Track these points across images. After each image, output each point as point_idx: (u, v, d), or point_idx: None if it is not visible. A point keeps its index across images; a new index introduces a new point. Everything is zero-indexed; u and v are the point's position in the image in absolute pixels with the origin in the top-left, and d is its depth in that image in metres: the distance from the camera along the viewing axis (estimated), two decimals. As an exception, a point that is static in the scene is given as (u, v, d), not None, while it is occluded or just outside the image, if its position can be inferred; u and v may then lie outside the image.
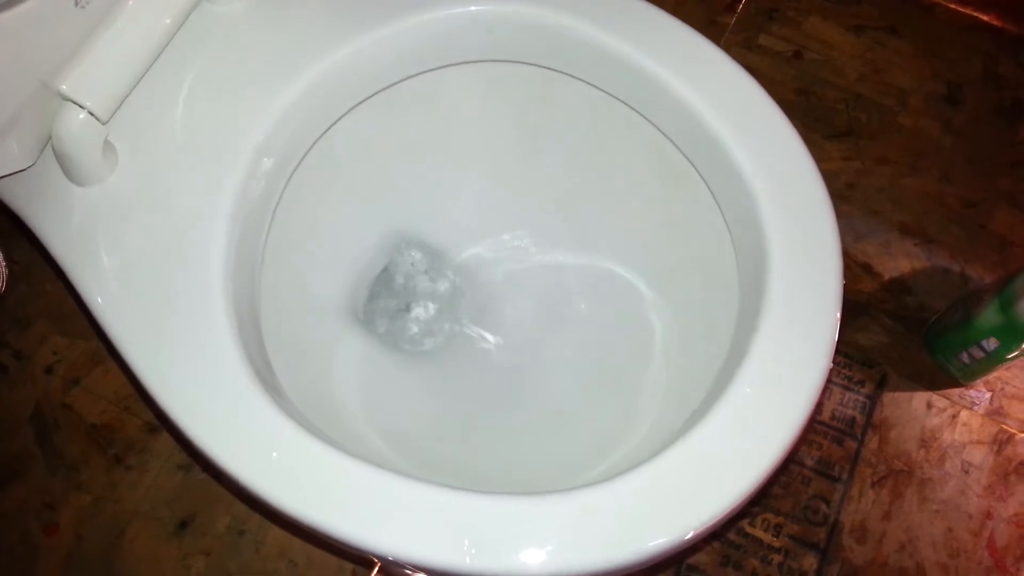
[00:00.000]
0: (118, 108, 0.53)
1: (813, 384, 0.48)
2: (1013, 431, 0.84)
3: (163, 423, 0.84)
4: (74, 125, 0.51)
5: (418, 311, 0.74)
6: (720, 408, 0.47)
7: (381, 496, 0.45)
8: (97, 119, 0.51)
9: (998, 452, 0.83)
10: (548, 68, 0.63)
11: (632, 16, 0.59)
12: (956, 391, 0.86)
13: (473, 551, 0.44)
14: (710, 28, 1.03)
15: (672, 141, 0.60)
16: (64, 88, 0.50)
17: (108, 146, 0.53)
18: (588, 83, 0.62)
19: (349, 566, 0.78)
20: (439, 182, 0.75)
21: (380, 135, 0.68)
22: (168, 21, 0.54)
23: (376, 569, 0.78)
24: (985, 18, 1.05)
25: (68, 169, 0.53)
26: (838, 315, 0.50)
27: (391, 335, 0.73)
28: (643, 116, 0.61)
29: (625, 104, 0.61)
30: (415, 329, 0.75)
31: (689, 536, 0.45)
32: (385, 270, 0.75)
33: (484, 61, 0.64)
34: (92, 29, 0.51)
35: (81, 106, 0.51)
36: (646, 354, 0.69)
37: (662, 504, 0.45)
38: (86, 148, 0.52)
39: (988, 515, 0.81)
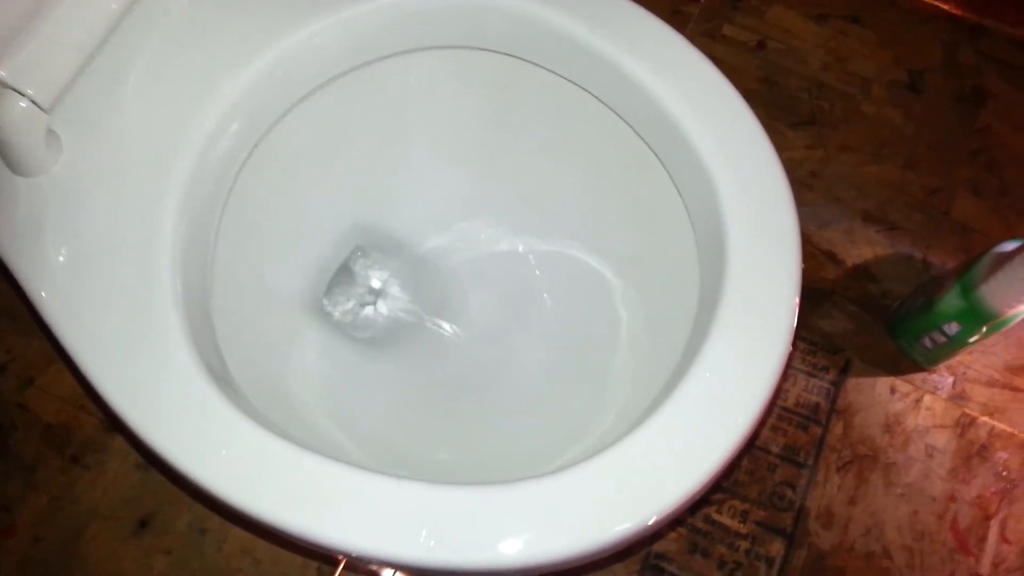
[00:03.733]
0: (61, 96, 0.51)
1: (773, 366, 0.47)
2: (975, 415, 0.85)
3: (112, 422, 0.82)
4: (15, 113, 0.49)
5: (380, 302, 0.73)
6: (679, 393, 0.46)
7: (336, 489, 0.44)
8: (39, 107, 0.49)
9: (961, 435, 0.84)
10: (510, 55, 0.62)
11: (595, 3, 0.58)
12: (919, 376, 0.86)
13: (432, 543, 0.43)
14: (674, 17, 1.03)
15: (633, 128, 0.60)
16: (3, 74, 0.48)
17: (52, 135, 0.52)
18: (550, 70, 0.61)
19: (314, 563, 0.77)
20: (400, 171, 0.74)
21: (338, 123, 0.67)
22: (115, 6, 0.52)
23: (341, 566, 0.77)
24: (945, 7, 1.06)
25: (9, 159, 0.51)
26: (797, 298, 0.49)
27: (352, 327, 0.72)
28: (605, 104, 0.60)
29: (587, 91, 0.61)
30: (377, 320, 0.74)
31: (652, 521, 0.44)
32: (345, 261, 0.74)
33: (444, 47, 0.63)
34: (34, 12, 0.49)
35: (22, 93, 0.49)
36: (612, 340, 0.69)
37: (624, 490, 0.45)
38: (28, 137, 0.50)
39: (952, 498, 0.81)
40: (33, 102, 0.49)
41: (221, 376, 0.49)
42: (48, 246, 0.50)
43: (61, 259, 0.50)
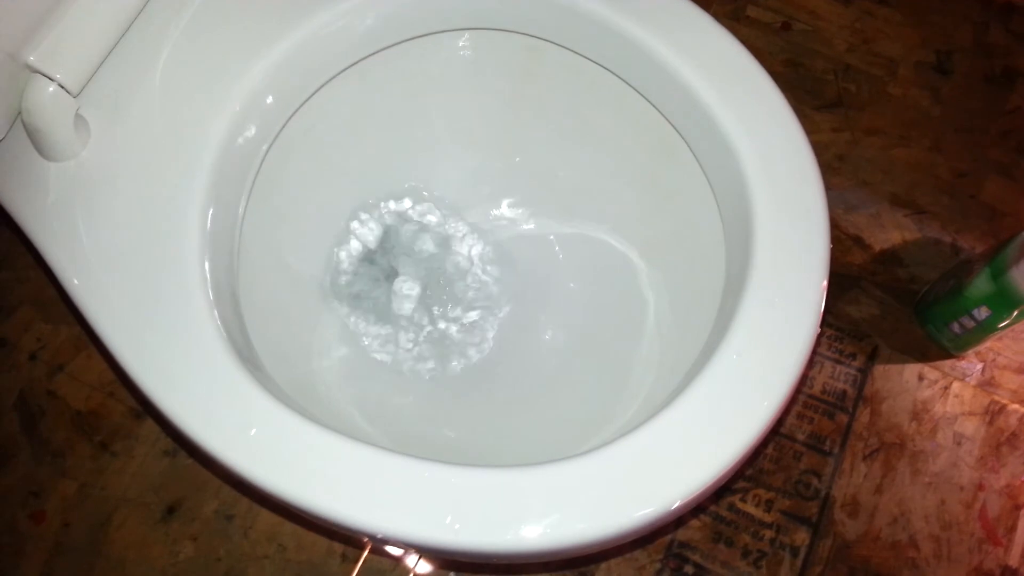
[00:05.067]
0: (89, 80, 0.51)
1: (800, 351, 0.47)
2: (1005, 402, 0.84)
3: (144, 406, 0.83)
4: (44, 98, 0.49)
5: (402, 286, 0.73)
6: (705, 377, 0.46)
7: (361, 471, 0.44)
8: (68, 91, 0.50)
9: (990, 423, 0.83)
10: (533, 36, 0.62)
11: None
12: (948, 362, 0.85)
13: (457, 526, 0.43)
14: None
15: (658, 109, 0.59)
16: (32, 60, 0.49)
17: (80, 119, 0.52)
18: (574, 51, 0.61)
19: (339, 547, 0.78)
20: (421, 153, 0.74)
21: (360, 107, 0.67)
22: (140, -9, 0.53)
23: (366, 551, 0.78)
24: (974, -13, 1.04)
25: (39, 144, 0.51)
26: (825, 281, 0.49)
27: (374, 311, 0.72)
28: (629, 84, 0.60)
29: (610, 72, 0.60)
30: (399, 304, 0.74)
31: (676, 506, 0.44)
32: (366, 244, 0.74)
33: (468, 29, 0.63)
34: (60, -1, 0.50)
35: (51, 78, 0.49)
36: (638, 324, 0.68)
37: (648, 475, 0.44)
38: (57, 122, 0.50)
39: (980, 487, 0.80)
40: (61, 87, 0.49)
41: (249, 358, 0.49)
42: (80, 231, 0.51)
43: (92, 245, 0.50)
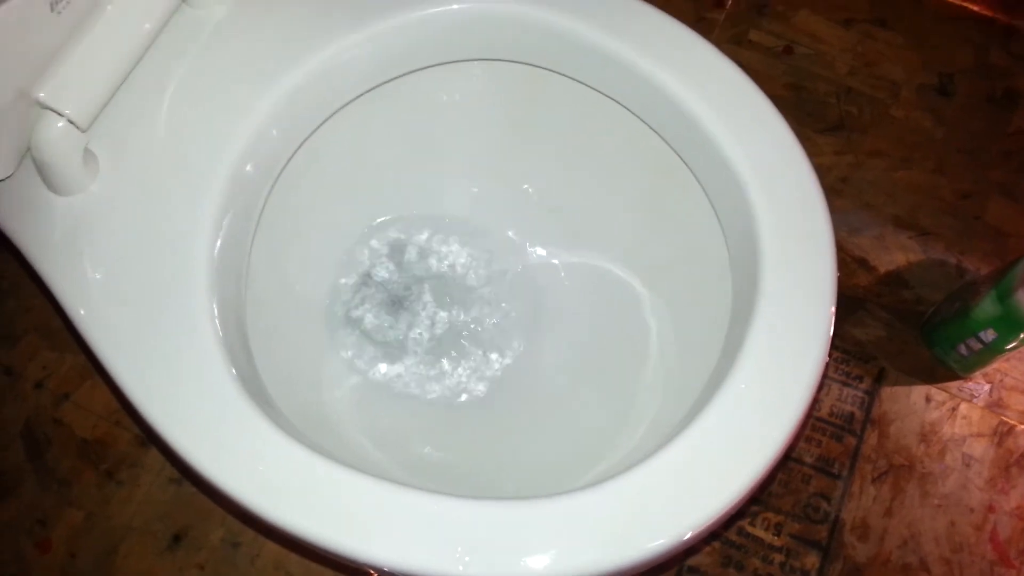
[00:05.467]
0: (98, 115, 0.52)
1: (810, 377, 0.47)
2: (1013, 423, 0.83)
3: (149, 437, 0.83)
4: (53, 133, 0.50)
5: (407, 312, 0.73)
6: (715, 405, 0.46)
7: (370, 504, 0.44)
8: (77, 127, 0.50)
9: (999, 444, 0.82)
10: (535, 66, 0.62)
11: (618, 11, 0.58)
12: (955, 384, 0.85)
13: (467, 559, 0.43)
14: (699, 24, 1.03)
15: (662, 136, 0.60)
16: (42, 96, 0.49)
17: (89, 154, 0.52)
18: (577, 80, 0.61)
19: (346, 577, 0.77)
20: (428, 181, 0.74)
21: (367, 136, 0.68)
22: (148, 26, 0.53)
23: (373, 579, 0.77)
24: (975, 8, 1.04)
25: (48, 179, 0.52)
26: (833, 307, 0.49)
27: (382, 339, 0.73)
28: (632, 112, 0.60)
29: (614, 101, 0.61)
30: (406, 331, 0.74)
31: (688, 536, 0.44)
32: (373, 271, 0.74)
33: (469, 60, 0.63)
34: (70, 35, 0.50)
35: (60, 114, 0.50)
36: (642, 351, 0.68)
37: (659, 505, 0.44)
38: (66, 157, 0.51)
39: (990, 508, 0.80)
40: (71, 122, 0.50)
41: (255, 389, 0.49)
42: (86, 264, 0.51)
43: (99, 277, 0.51)
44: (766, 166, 0.53)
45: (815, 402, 0.84)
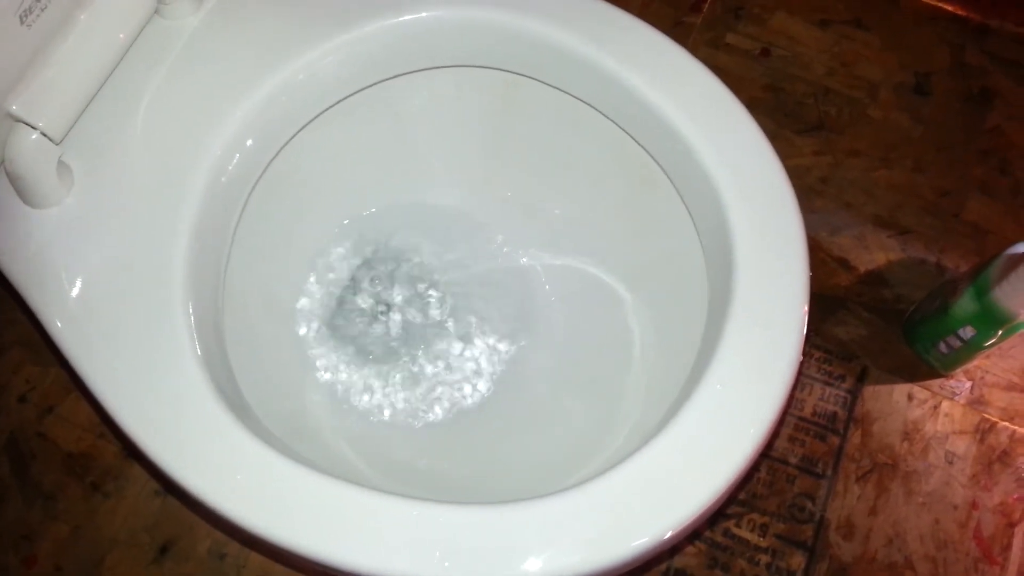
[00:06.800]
0: (71, 127, 0.52)
1: (784, 376, 0.47)
2: (995, 419, 0.84)
3: (128, 450, 0.82)
4: (26, 146, 0.50)
5: (387, 319, 0.73)
6: (691, 406, 0.46)
7: (349, 511, 0.44)
8: (50, 139, 0.50)
9: (981, 441, 0.83)
10: (512, 72, 0.63)
11: (593, 17, 0.58)
12: (937, 382, 0.85)
13: (446, 563, 0.43)
14: (677, 29, 1.03)
15: (637, 141, 0.60)
16: (14, 108, 0.49)
17: (63, 166, 0.52)
18: (551, 86, 0.62)
19: (332, 585, 0.77)
20: (406, 188, 0.74)
21: (343, 144, 0.68)
22: (121, 36, 0.53)
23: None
24: (950, 8, 1.05)
25: (22, 192, 0.52)
26: (805, 307, 0.49)
27: (361, 345, 0.73)
28: (607, 117, 0.61)
29: (589, 105, 0.61)
30: (386, 338, 0.74)
31: (669, 535, 0.44)
32: (354, 278, 0.74)
33: (446, 67, 0.64)
34: (41, 47, 0.50)
35: (33, 126, 0.50)
36: (624, 354, 0.69)
37: (639, 505, 0.44)
38: (40, 169, 0.51)
39: (974, 505, 0.80)
40: (44, 135, 0.50)
41: (234, 399, 0.49)
42: (62, 277, 0.51)
43: (75, 290, 0.51)
44: (738, 169, 0.53)
45: (795, 401, 0.84)
